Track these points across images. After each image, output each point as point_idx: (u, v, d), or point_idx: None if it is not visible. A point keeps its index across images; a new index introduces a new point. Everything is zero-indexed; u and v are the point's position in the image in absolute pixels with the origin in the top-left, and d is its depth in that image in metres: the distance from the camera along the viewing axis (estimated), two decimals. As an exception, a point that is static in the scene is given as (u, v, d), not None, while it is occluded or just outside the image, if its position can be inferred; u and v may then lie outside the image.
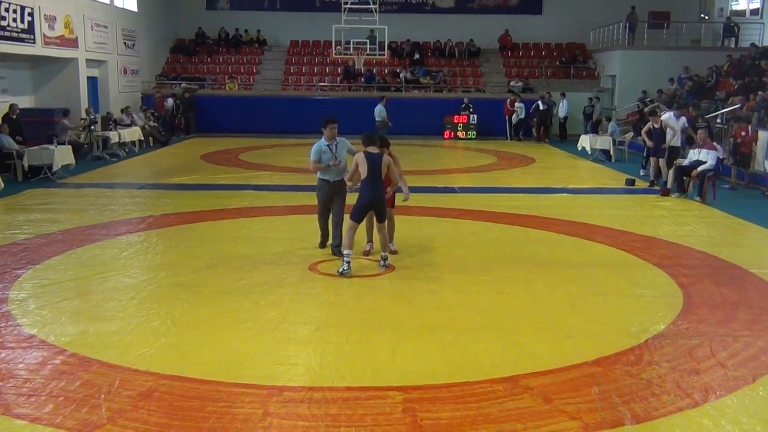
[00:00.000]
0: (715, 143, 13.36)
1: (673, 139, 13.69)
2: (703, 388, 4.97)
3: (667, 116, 14.09)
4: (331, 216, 8.57)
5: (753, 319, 6.43)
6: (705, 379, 5.11)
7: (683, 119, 14.16)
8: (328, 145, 8.30)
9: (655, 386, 4.98)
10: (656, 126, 13.96)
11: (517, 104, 23.78)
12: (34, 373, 5.09)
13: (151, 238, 9.36)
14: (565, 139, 23.49)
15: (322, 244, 8.79)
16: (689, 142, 14.34)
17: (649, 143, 14.27)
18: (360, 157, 7.71)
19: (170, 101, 23.16)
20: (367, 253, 8.37)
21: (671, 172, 13.25)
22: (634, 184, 14.39)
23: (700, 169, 12.43)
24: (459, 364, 5.34)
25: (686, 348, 5.70)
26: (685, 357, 5.53)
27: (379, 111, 20.32)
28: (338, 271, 7.60)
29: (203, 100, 24.57)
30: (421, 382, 5.01)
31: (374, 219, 8.05)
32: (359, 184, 7.83)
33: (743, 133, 14.53)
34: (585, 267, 8.19)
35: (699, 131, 13.27)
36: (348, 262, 7.60)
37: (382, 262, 7.91)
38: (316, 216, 8.86)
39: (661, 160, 13.81)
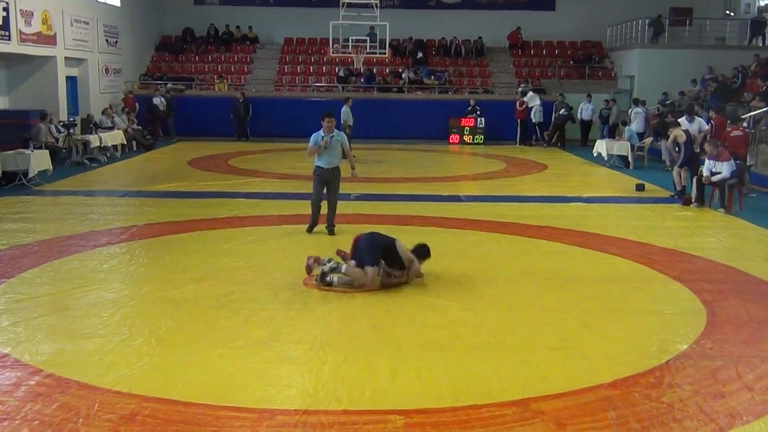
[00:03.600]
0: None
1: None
2: (728, 412, 4.97)
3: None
4: (327, 199, 10.16)
5: (782, 339, 6.44)
6: (730, 403, 5.11)
7: (699, 122, 14.15)
8: (323, 137, 9.99)
9: (676, 411, 4.98)
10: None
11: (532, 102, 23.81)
12: (7, 395, 5.09)
13: (134, 250, 9.37)
14: (585, 144, 23.43)
15: (310, 229, 10.21)
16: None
17: (673, 155, 14.12)
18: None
19: (160, 100, 23.34)
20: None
21: (694, 180, 13.25)
22: (644, 190, 14.52)
23: (716, 179, 12.44)
24: (465, 386, 5.34)
25: (710, 369, 5.70)
26: (708, 379, 5.53)
27: (345, 113, 19.84)
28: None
29: (187, 101, 24.67)
30: (424, 405, 5.01)
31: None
32: None
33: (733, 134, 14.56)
34: (600, 281, 8.19)
35: (707, 144, 13.10)
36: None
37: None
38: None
39: (677, 168, 13.82)
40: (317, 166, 10.10)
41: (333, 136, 10.01)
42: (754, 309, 7.24)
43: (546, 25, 28.46)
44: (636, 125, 20.12)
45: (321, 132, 10.05)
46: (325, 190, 10.15)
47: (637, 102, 21.56)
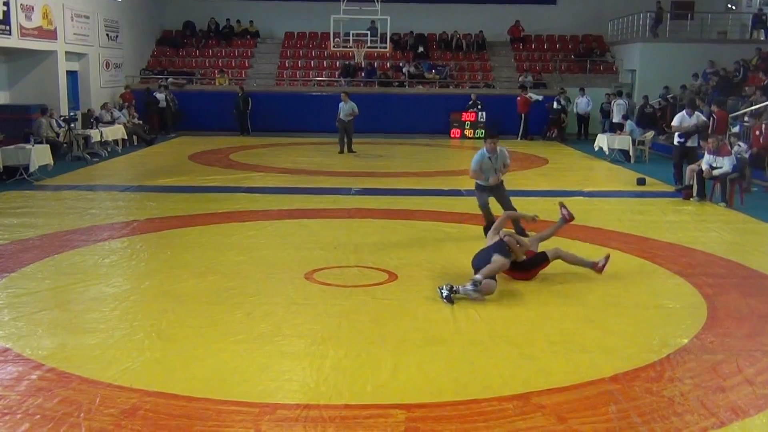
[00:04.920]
0: (739, 143, 13.38)
1: (689, 140, 13.81)
2: (729, 406, 4.97)
3: (678, 119, 14.10)
4: (501, 208, 9.59)
5: (783, 333, 6.43)
6: (731, 397, 5.11)
7: (698, 116, 14.17)
8: (489, 157, 9.57)
9: (677, 404, 4.99)
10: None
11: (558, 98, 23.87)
12: (8, 390, 5.10)
13: (135, 245, 9.38)
14: (584, 138, 23.40)
15: (486, 230, 9.33)
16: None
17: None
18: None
19: (163, 95, 23.35)
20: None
21: (695, 175, 13.23)
22: (645, 184, 14.57)
23: (717, 173, 12.42)
24: (466, 381, 5.34)
25: (711, 363, 5.70)
26: (709, 373, 5.53)
27: (351, 107, 19.77)
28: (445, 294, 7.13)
29: (188, 96, 24.65)
30: (426, 399, 5.01)
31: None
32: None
33: (757, 132, 14.63)
34: (601, 276, 8.18)
35: (709, 139, 13.12)
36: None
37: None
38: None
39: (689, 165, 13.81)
40: (479, 185, 9.77)
41: (497, 155, 9.62)
42: (755, 303, 7.24)
43: (547, 19, 28.39)
44: (617, 117, 20.60)
45: (485, 151, 9.58)
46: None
47: (620, 93, 21.91)
